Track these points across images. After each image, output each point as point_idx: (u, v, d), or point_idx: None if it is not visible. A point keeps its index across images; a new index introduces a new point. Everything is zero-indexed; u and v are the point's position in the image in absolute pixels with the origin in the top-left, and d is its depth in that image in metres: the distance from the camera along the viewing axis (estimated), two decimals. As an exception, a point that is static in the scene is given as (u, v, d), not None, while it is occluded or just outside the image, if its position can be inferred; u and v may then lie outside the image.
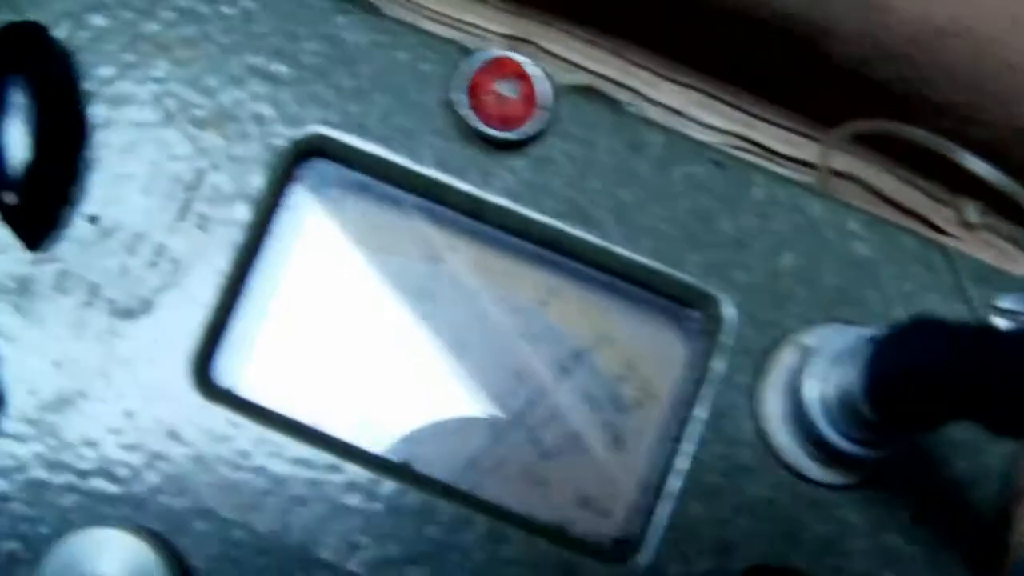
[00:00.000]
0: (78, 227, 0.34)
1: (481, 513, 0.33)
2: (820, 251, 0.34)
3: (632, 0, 0.34)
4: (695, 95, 0.36)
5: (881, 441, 0.31)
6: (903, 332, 0.28)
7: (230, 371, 0.34)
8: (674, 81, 0.36)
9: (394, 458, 0.34)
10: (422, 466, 0.34)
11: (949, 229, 0.37)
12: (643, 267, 0.34)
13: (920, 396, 0.27)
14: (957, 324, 0.27)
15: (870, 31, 0.30)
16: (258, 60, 0.34)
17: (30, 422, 0.33)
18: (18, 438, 0.32)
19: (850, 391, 0.30)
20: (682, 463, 0.33)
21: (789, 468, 0.33)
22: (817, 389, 0.32)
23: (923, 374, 0.27)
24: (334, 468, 0.32)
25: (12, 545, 0.32)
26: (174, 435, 0.33)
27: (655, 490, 0.33)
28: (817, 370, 0.32)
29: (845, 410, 0.31)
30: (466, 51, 0.34)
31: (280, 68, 0.34)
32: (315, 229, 0.35)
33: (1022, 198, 0.34)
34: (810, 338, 0.33)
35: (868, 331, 0.31)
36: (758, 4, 0.31)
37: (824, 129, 0.36)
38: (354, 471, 0.32)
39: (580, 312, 0.35)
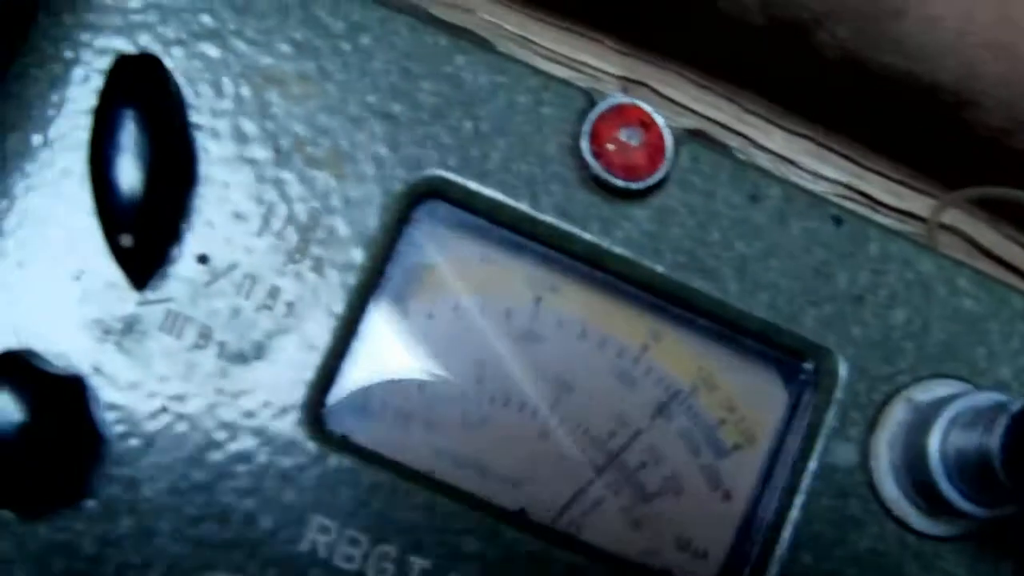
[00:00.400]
0: (188, 267, 0.33)
1: (596, 562, 0.33)
2: (931, 307, 0.35)
3: (749, 47, 0.34)
4: (807, 144, 0.36)
5: (1001, 502, 0.32)
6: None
7: (343, 416, 0.34)
8: (787, 130, 0.36)
9: (509, 505, 0.34)
10: (536, 514, 0.34)
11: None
12: (760, 321, 0.34)
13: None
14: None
15: (1019, 104, 0.31)
16: (375, 99, 0.34)
17: (137, 466, 0.32)
18: (125, 483, 0.32)
19: (977, 455, 0.31)
20: (792, 512, 0.34)
21: (896, 520, 0.34)
22: (936, 447, 0.32)
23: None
24: (453, 516, 0.32)
25: None
26: (288, 480, 0.32)
27: (763, 538, 0.34)
28: (937, 428, 0.32)
29: (969, 470, 0.32)
30: (588, 95, 0.34)
31: (397, 107, 0.34)
32: (428, 271, 0.34)
33: None
34: (923, 394, 0.34)
35: (995, 396, 0.32)
36: (908, 72, 0.31)
37: (932, 183, 0.36)
38: (473, 518, 0.32)
39: (683, 356, 0.35)
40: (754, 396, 0.35)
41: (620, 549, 0.34)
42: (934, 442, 0.32)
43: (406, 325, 0.34)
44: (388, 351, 0.34)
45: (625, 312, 0.35)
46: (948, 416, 0.32)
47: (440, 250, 0.34)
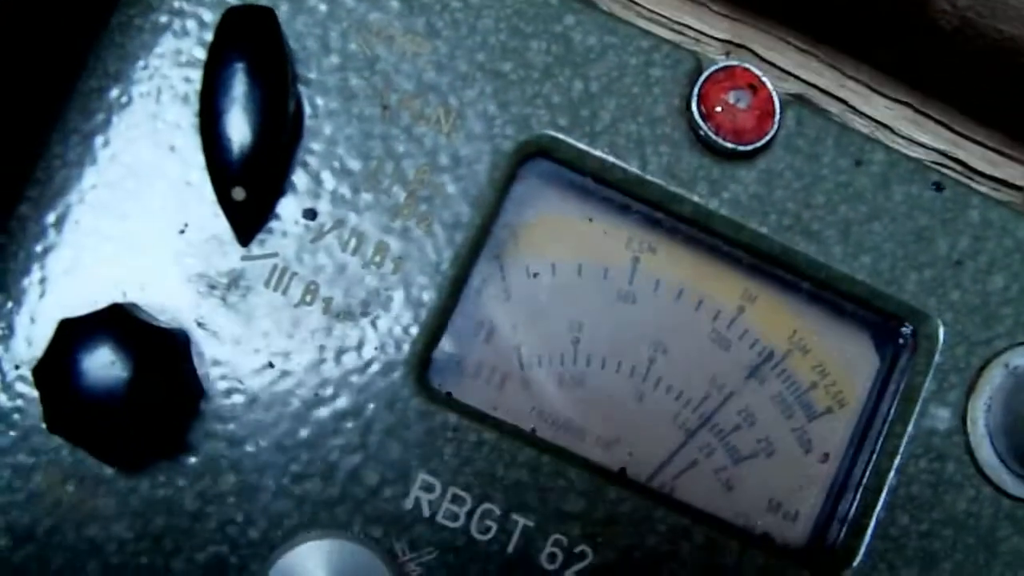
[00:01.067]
0: (293, 222, 0.33)
1: (697, 523, 0.33)
2: (1028, 274, 0.35)
3: (862, 14, 0.34)
4: (906, 111, 0.36)
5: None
6: None
7: (447, 374, 0.34)
8: (886, 96, 0.36)
9: (610, 465, 0.34)
10: (637, 474, 0.34)
11: None
12: (860, 283, 0.34)
13: None
14: None
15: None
16: (484, 57, 0.33)
17: (241, 422, 0.32)
18: (228, 439, 0.32)
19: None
20: (889, 475, 0.34)
21: (992, 484, 0.34)
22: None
23: None
24: (558, 474, 0.33)
25: (221, 549, 0.31)
26: (393, 437, 0.32)
27: (858, 499, 0.34)
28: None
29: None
30: (696, 58, 0.34)
31: (507, 66, 0.33)
32: (533, 229, 0.34)
33: None
34: (1021, 359, 0.34)
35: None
36: (1004, 36, 0.31)
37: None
38: (577, 476, 0.33)
39: (777, 319, 0.35)
40: (846, 360, 0.36)
41: (713, 509, 0.34)
42: (1034, 407, 0.33)
43: (509, 283, 0.34)
44: (492, 309, 0.34)
45: (722, 274, 0.35)
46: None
47: (545, 208, 0.34)
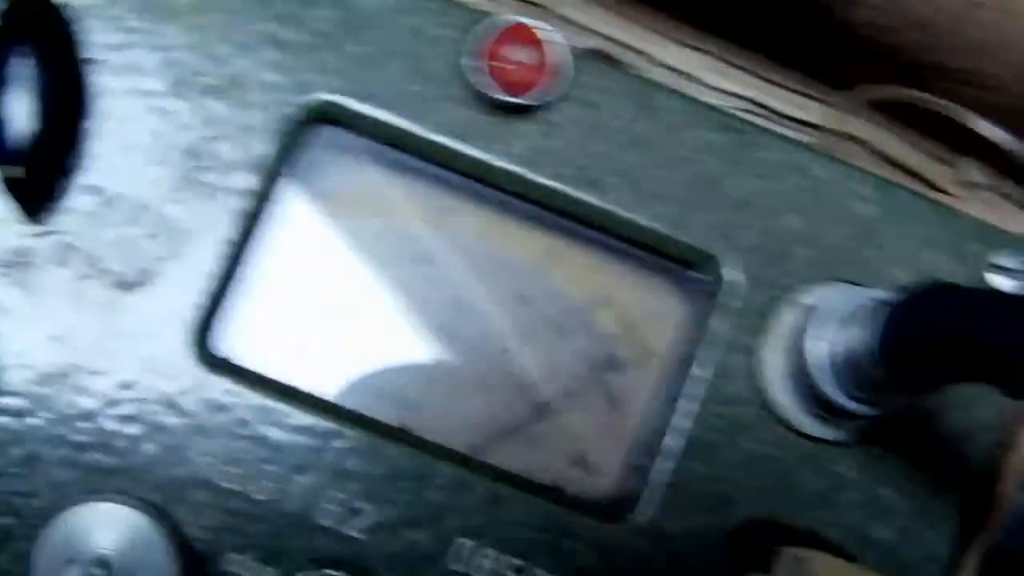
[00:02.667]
0: (79, 198, 0.33)
1: (479, 475, 0.33)
2: (823, 212, 0.35)
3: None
4: (707, 59, 0.36)
5: (885, 401, 0.32)
6: (920, 297, 0.29)
7: (230, 341, 0.34)
8: (686, 45, 0.36)
9: (393, 422, 0.34)
10: (420, 429, 0.34)
11: (951, 189, 0.38)
12: (648, 230, 0.34)
13: (938, 361, 0.28)
14: (976, 290, 0.28)
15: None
16: (267, 27, 0.34)
17: (26, 396, 0.32)
18: (14, 413, 0.32)
19: (859, 352, 0.31)
20: (682, 422, 0.34)
21: (787, 425, 0.34)
22: (822, 349, 0.33)
23: (944, 340, 0.28)
24: (334, 434, 0.33)
25: (7, 520, 0.32)
26: (172, 406, 0.32)
27: (654, 449, 0.34)
28: (822, 330, 0.33)
29: (852, 370, 0.32)
30: (480, 17, 0.34)
31: (289, 34, 0.34)
32: (320, 195, 0.35)
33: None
34: (812, 298, 0.34)
35: (877, 293, 0.32)
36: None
37: (833, 92, 0.36)
38: (353, 436, 0.33)
39: (581, 273, 0.36)
40: (651, 311, 0.36)
41: (519, 469, 0.34)
42: (818, 344, 0.33)
43: (299, 249, 0.35)
44: (279, 276, 0.34)
45: (521, 231, 0.35)
46: (831, 317, 0.33)
47: (335, 174, 0.35)
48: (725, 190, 0.35)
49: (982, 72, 0.33)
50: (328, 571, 0.32)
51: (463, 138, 0.34)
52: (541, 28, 0.33)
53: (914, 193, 0.36)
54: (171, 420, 0.32)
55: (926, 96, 0.34)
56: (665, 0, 0.36)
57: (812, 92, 0.37)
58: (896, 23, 0.33)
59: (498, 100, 0.33)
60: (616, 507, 0.34)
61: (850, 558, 0.34)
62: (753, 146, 0.35)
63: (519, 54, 0.33)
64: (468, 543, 0.33)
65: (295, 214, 0.35)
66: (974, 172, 0.38)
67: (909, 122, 0.37)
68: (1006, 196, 0.38)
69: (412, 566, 0.33)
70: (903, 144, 0.38)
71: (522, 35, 0.34)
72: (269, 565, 0.32)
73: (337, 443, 0.33)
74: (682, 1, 0.35)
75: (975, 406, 0.35)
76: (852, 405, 0.32)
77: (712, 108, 0.35)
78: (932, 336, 0.28)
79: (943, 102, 0.33)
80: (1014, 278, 0.35)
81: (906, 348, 0.29)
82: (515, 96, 0.34)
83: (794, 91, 0.37)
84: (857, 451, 0.34)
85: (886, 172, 0.38)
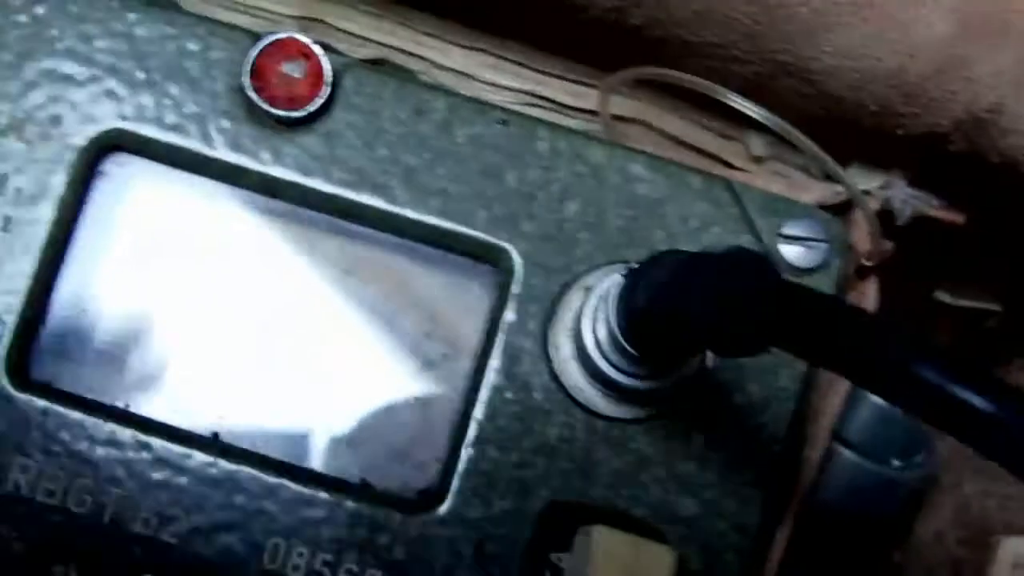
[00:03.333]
0: None
1: (287, 478, 0.34)
2: (604, 196, 0.35)
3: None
4: (484, 57, 0.37)
5: (654, 373, 0.32)
6: (642, 267, 0.30)
7: (44, 363, 0.35)
8: (462, 46, 0.38)
9: (203, 431, 0.35)
10: (230, 436, 0.35)
11: (739, 164, 0.38)
12: (433, 227, 0.35)
13: (655, 330, 0.28)
14: (685, 254, 0.28)
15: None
16: (52, 63, 0.36)
17: None
18: None
19: (616, 328, 0.32)
20: (478, 411, 0.34)
21: (582, 407, 0.34)
22: (591, 327, 0.33)
23: (651, 310, 0.28)
24: (142, 446, 0.34)
25: None
26: None
27: (459, 441, 0.35)
28: (591, 309, 0.33)
29: (615, 345, 0.32)
30: (253, 35, 0.36)
31: (74, 68, 0.36)
32: (121, 221, 0.36)
33: (786, 132, 0.35)
34: (592, 280, 0.34)
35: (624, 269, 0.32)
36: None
37: (600, 77, 0.37)
38: (162, 447, 0.34)
39: (382, 276, 0.36)
40: (456, 307, 0.36)
41: (330, 470, 0.35)
42: (587, 322, 0.33)
43: (102, 273, 0.36)
44: (86, 300, 0.36)
45: (321, 241, 0.36)
46: (601, 297, 0.33)
47: (131, 200, 0.36)
48: (507, 183, 0.35)
49: (720, 43, 0.34)
50: None
51: (249, 154, 0.35)
52: (309, 42, 0.35)
53: (695, 170, 0.36)
54: None
55: (676, 73, 0.34)
56: (436, 4, 0.37)
57: (586, 79, 0.37)
58: (621, 2, 0.33)
59: (276, 115, 0.35)
60: (425, 499, 0.35)
61: (657, 533, 0.34)
62: (530, 138, 0.36)
63: (292, 69, 0.35)
64: (282, 543, 0.34)
65: (99, 239, 0.36)
66: (758, 145, 0.38)
67: (691, 101, 0.38)
68: (800, 167, 0.38)
69: (229, 568, 0.34)
70: (689, 124, 0.38)
71: (293, 49, 0.35)
72: None
73: (145, 454, 0.34)
74: (451, 3, 0.37)
75: (776, 373, 0.35)
76: (627, 380, 0.33)
77: (484, 104, 0.36)
78: (648, 306, 0.28)
79: (693, 78, 0.34)
80: (804, 246, 0.35)
81: (633, 320, 0.30)
82: (292, 110, 0.35)
83: (570, 80, 0.37)
84: (656, 427, 0.34)
85: (673, 152, 0.38)
